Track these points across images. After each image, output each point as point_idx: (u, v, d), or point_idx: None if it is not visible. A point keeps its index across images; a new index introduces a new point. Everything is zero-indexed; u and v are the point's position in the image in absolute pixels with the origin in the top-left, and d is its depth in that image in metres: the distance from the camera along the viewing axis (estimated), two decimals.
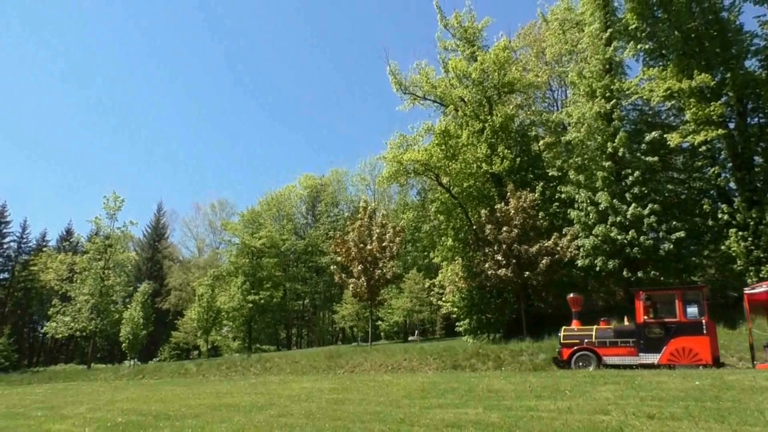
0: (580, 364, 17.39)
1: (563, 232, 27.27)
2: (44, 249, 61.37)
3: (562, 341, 18.32)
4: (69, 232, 70.01)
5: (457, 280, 30.76)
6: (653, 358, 16.27)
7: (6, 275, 61.74)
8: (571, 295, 20.88)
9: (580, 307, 19.86)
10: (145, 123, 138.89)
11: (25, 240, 64.74)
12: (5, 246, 62.11)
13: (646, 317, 16.89)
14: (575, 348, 17.81)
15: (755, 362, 15.19)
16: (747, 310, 15.56)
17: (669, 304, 16.91)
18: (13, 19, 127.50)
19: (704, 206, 25.88)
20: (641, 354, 16.57)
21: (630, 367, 16.23)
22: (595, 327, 18.15)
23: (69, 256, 48.62)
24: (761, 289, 14.95)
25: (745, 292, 15.65)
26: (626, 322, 18.39)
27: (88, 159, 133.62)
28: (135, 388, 17.11)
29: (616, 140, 26.52)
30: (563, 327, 18.91)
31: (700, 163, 27.19)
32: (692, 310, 16.32)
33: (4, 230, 62.02)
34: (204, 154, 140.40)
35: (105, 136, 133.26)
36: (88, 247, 45.06)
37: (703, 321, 15.90)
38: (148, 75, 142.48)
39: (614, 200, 26.05)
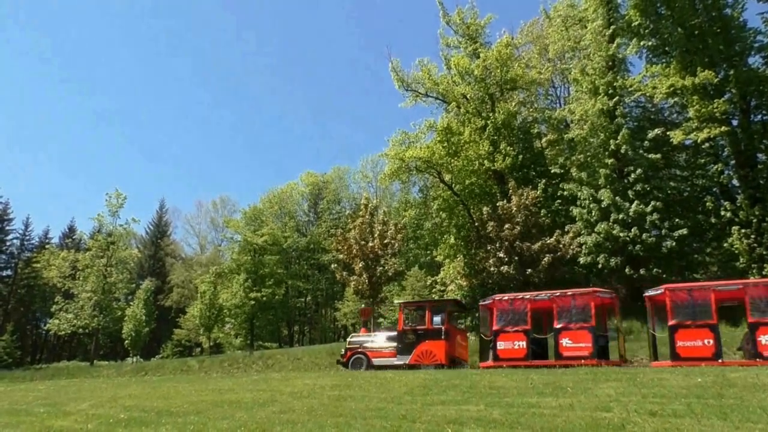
0: (356, 365, 19.82)
1: (565, 230, 27.24)
2: (47, 246, 61.37)
3: (347, 346, 20.99)
4: (72, 230, 70.17)
5: (459, 277, 30.74)
6: (406, 359, 18.89)
7: (9, 272, 61.91)
8: (362, 306, 25.80)
9: (368, 317, 23.86)
10: (148, 120, 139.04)
11: (28, 237, 64.94)
12: (8, 243, 62.27)
13: (405, 325, 19.85)
14: (353, 352, 20.30)
15: (653, 360, 16.51)
16: (650, 311, 16.79)
17: (422, 314, 19.86)
18: (16, 17, 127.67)
19: (707, 204, 25.85)
20: (398, 356, 19.18)
21: (390, 367, 18.48)
22: (373, 334, 21.27)
23: (72, 253, 48.51)
24: (659, 291, 16.13)
25: (645, 294, 16.76)
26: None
27: (90, 157, 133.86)
28: (137, 384, 17.13)
29: (618, 137, 26.48)
30: (352, 333, 22.25)
31: (703, 161, 27.16)
32: (437, 319, 19.05)
33: (7, 228, 62.17)
34: (206, 151, 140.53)
35: (107, 134, 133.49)
36: (90, 245, 45.14)
37: (443, 328, 18.72)
38: (150, 73, 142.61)
39: (617, 197, 26.02)
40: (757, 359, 13.76)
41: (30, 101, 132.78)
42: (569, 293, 17.29)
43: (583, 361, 15.25)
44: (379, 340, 20.36)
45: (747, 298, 14.70)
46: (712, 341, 14.51)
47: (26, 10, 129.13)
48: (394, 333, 20.34)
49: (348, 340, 21.63)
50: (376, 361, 19.54)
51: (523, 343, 16.99)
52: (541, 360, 16.82)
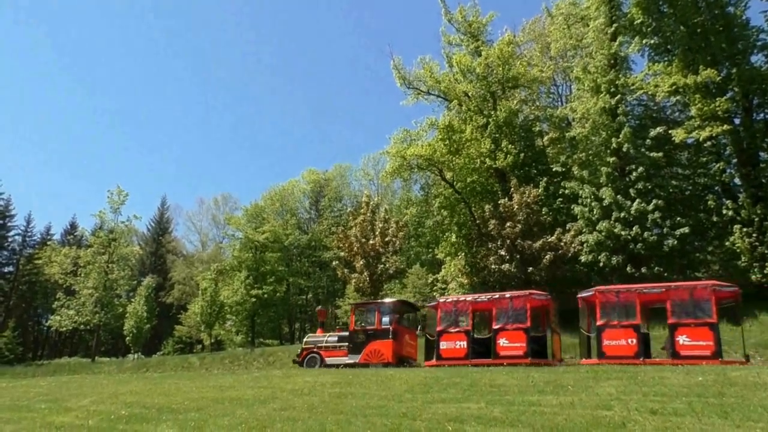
0: (310, 364, 20.71)
1: (567, 228, 27.22)
2: (49, 243, 61.53)
3: (303, 345, 22.03)
4: (73, 226, 70.22)
5: (460, 275, 30.74)
6: (356, 358, 19.73)
7: (11, 269, 61.97)
8: (319, 307, 27.87)
9: (325, 318, 24.18)
10: (150, 117, 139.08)
11: (29, 234, 64.96)
12: (10, 240, 62.30)
13: (356, 326, 20.90)
14: (308, 351, 21.24)
15: (582, 357, 17.31)
16: (583, 312, 17.60)
17: (371, 315, 20.67)
18: (17, 16, 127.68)
19: (709, 202, 25.82)
20: (350, 355, 20.04)
21: (342, 365, 19.27)
22: (328, 334, 21.92)
23: (73, 249, 48.60)
24: (590, 293, 17.10)
25: (579, 296, 17.75)
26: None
27: (92, 153, 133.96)
28: (138, 381, 17.15)
29: (620, 136, 26.44)
30: (309, 334, 23.45)
31: (705, 159, 27.12)
32: (385, 320, 19.92)
33: (9, 224, 62.18)
34: (208, 148, 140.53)
35: (110, 131, 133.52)
36: (92, 241, 45.20)
37: (391, 328, 19.55)
38: (153, 71, 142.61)
39: (618, 196, 25.99)
40: (675, 358, 14.59)
41: (32, 99, 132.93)
42: (507, 295, 18.08)
43: (516, 360, 16.17)
44: (333, 340, 21.20)
45: (669, 301, 15.54)
46: (635, 341, 15.45)
47: (28, 9, 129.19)
48: (347, 333, 21.18)
49: (304, 340, 22.65)
50: (329, 360, 20.44)
51: (464, 343, 17.73)
52: (482, 359, 17.15)
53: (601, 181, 27.29)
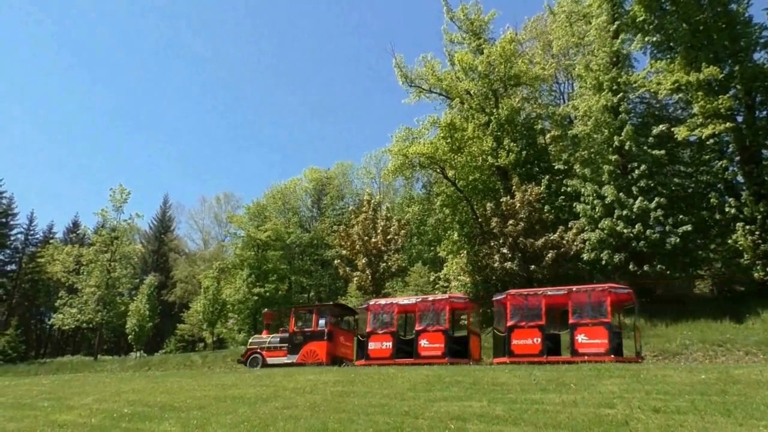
0: (253, 364, 21.89)
1: (569, 226, 27.15)
2: (51, 241, 61.47)
3: (248, 346, 23.37)
4: (76, 225, 70.26)
5: (462, 273, 30.72)
6: (294, 358, 20.85)
7: (13, 267, 62.02)
8: (266, 310, 28.18)
9: (271, 321, 25.54)
10: (152, 116, 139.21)
11: (32, 232, 65.01)
12: (13, 238, 62.27)
13: (295, 328, 21.84)
14: (251, 351, 22.47)
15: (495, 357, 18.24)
16: (496, 313, 18.72)
17: (309, 317, 21.87)
18: (20, 14, 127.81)
19: (711, 200, 25.76)
20: (288, 355, 21.15)
21: (282, 365, 20.29)
22: (272, 335, 22.88)
23: (76, 248, 48.58)
24: (502, 296, 18.25)
25: (494, 299, 19.00)
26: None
27: (94, 152, 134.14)
28: (141, 379, 17.17)
29: (622, 133, 26.38)
30: (254, 335, 24.77)
31: (707, 157, 27.03)
32: (322, 322, 21.20)
33: (12, 222, 62.18)
34: (210, 147, 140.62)
35: (112, 129, 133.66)
36: (94, 240, 45.22)
37: (326, 330, 20.81)
38: (156, 69, 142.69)
39: (620, 194, 25.93)
40: (574, 356, 15.70)
41: (34, 97, 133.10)
42: (429, 299, 19.10)
43: (435, 360, 17.19)
44: (275, 341, 22.28)
45: (570, 303, 16.77)
46: (539, 340, 16.64)
47: (30, 9, 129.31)
48: (284, 334, 22.32)
49: (249, 341, 23.95)
50: (270, 360, 21.61)
51: (389, 344, 18.72)
52: (407, 359, 18.02)
53: (603, 178, 27.24)
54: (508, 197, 28.01)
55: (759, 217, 23.32)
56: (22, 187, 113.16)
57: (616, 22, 28.58)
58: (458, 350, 18.15)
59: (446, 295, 19.59)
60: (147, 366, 31.60)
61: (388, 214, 34.44)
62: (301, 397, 10.27)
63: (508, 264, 26.02)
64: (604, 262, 26.36)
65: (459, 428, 7.16)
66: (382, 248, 31.55)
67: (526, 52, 37.55)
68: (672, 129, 26.12)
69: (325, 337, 20.76)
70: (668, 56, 27.20)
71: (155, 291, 48.32)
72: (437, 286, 38.51)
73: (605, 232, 26.02)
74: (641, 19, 26.99)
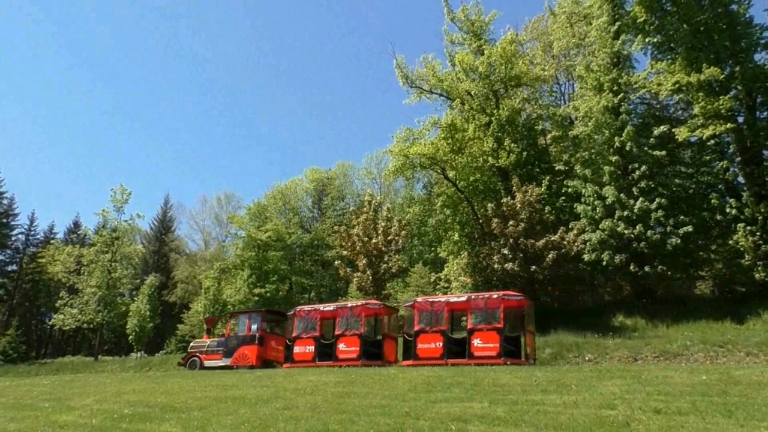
0: (192, 366, 23.15)
1: (570, 227, 27.15)
2: (52, 241, 61.48)
3: (189, 349, 24.72)
4: (76, 225, 70.13)
5: (463, 274, 30.70)
6: (228, 361, 22.23)
7: (14, 267, 61.98)
8: (207, 315, 30.21)
9: (212, 326, 26.63)
10: (153, 116, 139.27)
11: (33, 232, 64.91)
12: (13, 238, 62.21)
13: (231, 332, 23.28)
14: (191, 354, 23.87)
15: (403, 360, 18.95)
16: (406, 319, 19.57)
17: (243, 322, 23.19)
18: (20, 14, 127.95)
19: (712, 201, 25.76)
20: (223, 358, 22.50)
21: (218, 368, 21.84)
22: (210, 339, 24.26)
23: (76, 248, 48.62)
24: (411, 303, 19.29)
25: (404, 305, 20.20)
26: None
27: (95, 152, 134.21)
28: (141, 380, 17.17)
29: (623, 134, 26.39)
30: (195, 339, 25.82)
31: (708, 158, 27.05)
32: (254, 327, 22.60)
33: (12, 223, 62.11)
34: (211, 147, 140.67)
35: (112, 129, 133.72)
36: (95, 240, 45.21)
37: (257, 335, 22.24)
38: (156, 69, 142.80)
39: (621, 194, 25.94)
40: (470, 359, 16.74)
41: (35, 98, 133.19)
42: (348, 305, 20.60)
43: (351, 362, 18.42)
44: (213, 345, 23.57)
45: (469, 309, 18.17)
46: (441, 344, 17.64)
47: (29, 8, 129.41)
48: (221, 338, 23.76)
49: (190, 344, 25.17)
50: (207, 362, 22.92)
51: (312, 347, 20.08)
52: (326, 361, 19.29)
53: (603, 179, 27.24)
54: (509, 198, 27.99)
55: (760, 218, 23.33)
56: (23, 188, 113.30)
57: (617, 23, 28.59)
58: (374, 353, 19.34)
59: (362, 302, 20.78)
60: (147, 366, 31.55)
61: (389, 215, 34.42)
62: (302, 398, 10.27)
63: (508, 265, 25.99)
64: (604, 263, 26.38)
65: (460, 429, 7.15)
66: (383, 249, 31.55)
67: (527, 53, 37.55)
68: (673, 130, 26.12)
69: (256, 342, 22.17)
70: (669, 57, 27.21)
71: (156, 291, 48.25)
72: (438, 286, 38.50)
73: (606, 232, 26.02)
74: (642, 20, 27.00)
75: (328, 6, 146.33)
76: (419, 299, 19.38)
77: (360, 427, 7.62)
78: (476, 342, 17.12)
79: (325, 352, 19.77)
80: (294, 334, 20.64)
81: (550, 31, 36.90)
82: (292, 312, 21.57)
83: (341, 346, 19.35)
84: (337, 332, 19.73)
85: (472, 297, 18.47)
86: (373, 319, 21.23)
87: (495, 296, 17.89)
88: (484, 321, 17.51)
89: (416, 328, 18.28)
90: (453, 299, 18.88)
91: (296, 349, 20.38)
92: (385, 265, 31.19)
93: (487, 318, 17.44)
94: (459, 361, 16.78)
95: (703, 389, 8.60)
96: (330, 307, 21.22)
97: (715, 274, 29.05)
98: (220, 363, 22.38)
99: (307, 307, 21.63)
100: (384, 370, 14.56)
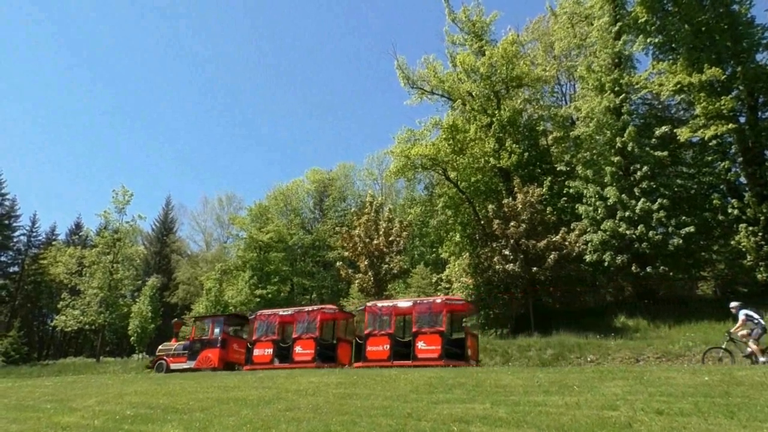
0: (159, 369, 24.17)
1: (571, 227, 27.12)
2: (54, 243, 61.52)
3: (156, 353, 25.66)
4: (78, 226, 70.12)
5: (464, 275, 30.68)
6: (192, 364, 23.01)
7: (16, 269, 62.01)
8: (175, 320, 30.19)
9: (179, 329, 27.11)
10: (154, 117, 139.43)
11: (34, 234, 64.92)
12: (15, 240, 62.25)
13: (195, 336, 24.16)
14: (158, 358, 24.85)
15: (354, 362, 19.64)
16: (362, 322, 20.17)
17: (207, 326, 24.24)
18: (21, 14, 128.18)
19: (714, 201, 25.72)
20: (188, 361, 23.29)
21: (183, 370, 22.50)
22: (177, 343, 25.15)
23: (78, 249, 48.64)
24: (362, 307, 20.26)
25: (357, 309, 21.54)
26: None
27: (97, 153, 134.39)
28: (143, 381, 17.17)
29: (625, 135, 26.37)
30: (164, 342, 26.49)
31: (710, 158, 27.01)
32: (217, 331, 23.47)
33: (14, 224, 62.17)
34: (212, 148, 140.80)
35: (114, 131, 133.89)
36: (97, 241, 45.22)
37: (220, 338, 23.05)
38: (158, 69, 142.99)
39: (623, 195, 25.92)
40: (414, 361, 17.38)
41: (36, 99, 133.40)
42: (306, 309, 21.55)
43: (306, 364, 19.26)
44: (178, 349, 24.48)
45: (414, 313, 18.62)
46: (388, 346, 18.35)
47: (29, 8, 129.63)
48: (187, 342, 24.57)
49: (158, 348, 26.07)
50: (173, 365, 23.80)
51: (270, 350, 20.92)
52: (283, 363, 20.19)
53: (605, 180, 27.22)
54: (510, 199, 27.97)
55: (762, 218, 23.28)
56: (24, 189, 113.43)
57: (618, 24, 28.57)
58: (328, 355, 20.36)
59: (318, 307, 21.75)
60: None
61: (390, 216, 34.44)
62: (304, 399, 10.27)
63: (509, 266, 25.97)
64: (606, 264, 26.36)
65: (462, 430, 7.15)
66: (384, 250, 31.55)
67: (528, 54, 37.54)
68: (674, 130, 26.09)
69: (219, 345, 23.00)
70: (670, 57, 27.18)
71: (157, 293, 48.32)
72: (439, 287, 38.47)
73: (607, 233, 26.00)
74: (643, 20, 26.97)
75: (328, 6, 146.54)
76: (369, 304, 20.20)
77: (362, 429, 7.62)
78: (420, 344, 17.84)
79: (283, 354, 20.69)
80: (254, 337, 21.61)
81: (551, 31, 36.90)
82: (253, 316, 22.77)
83: (298, 348, 20.28)
84: (294, 335, 20.71)
85: (417, 302, 19.26)
86: (331, 323, 22.08)
87: (438, 301, 18.70)
88: (427, 324, 18.12)
89: (366, 331, 19.06)
90: (400, 304, 19.80)
91: (256, 352, 21.27)
92: (387, 266, 31.20)
93: (431, 322, 18.09)
94: (404, 363, 17.40)
95: (706, 390, 8.58)
96: (289, 311, 22.27)
97: (717, 274, 29.02)
98: (185, 366, 23.23)
99: (267, 312, 22.83)
100: (386, 371, 14.55)
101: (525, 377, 11.01)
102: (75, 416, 10.94)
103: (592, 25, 30.35)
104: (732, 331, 15.32)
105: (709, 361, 15.77)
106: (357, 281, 31.85)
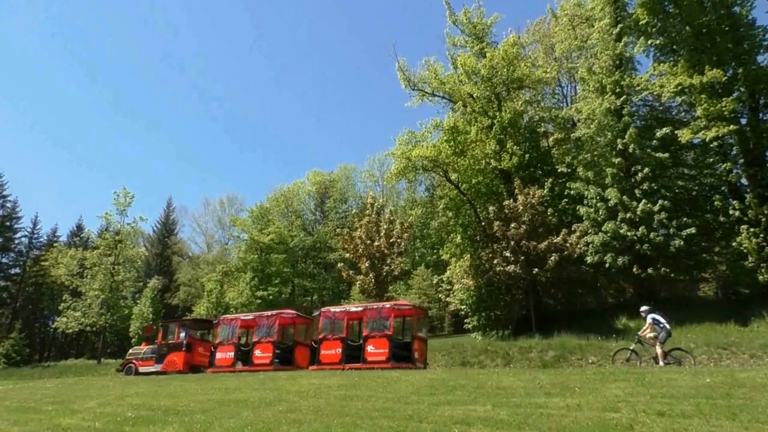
0: (128, 372, 24.78)
1: (572, 229, 27.11)
2: (55, 244, 61.58)
3: (126, 356, 26.51)
4: (79, 228, 70.19)
5: (465, 276, 30.67)
6: (159, 367, 23.67)
7: (17, 270, 62.02)
8: (146, 324, 31.98)
9: (150, 333, 27.58)
10: (156, 119, 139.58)
11: (36, 236, 64.90)
12: (17, 241, 62.24)
13: (163, 340, 24.66)
14: (127, 361, 25.64)
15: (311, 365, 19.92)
16: (312, 327, 21.55)
17: (174, 331, 24.79)
18: (23, 16, 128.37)
19: (715, 202, 25.69)
20: (156, 364, 24.01)
21: (150, 373, 23.16)
22: (146, 347, 25.81)
23: (79, 251, 48.77)
24: (318, 312, 20.95)
25: (313, 314, 22.30)
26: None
27: (98, 155, 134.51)
28: (144, 383, 17.16)
29: (626, 136, 26.37)
30: (134, 346, 27.58)
31: (711, 159, 26.99)
32: (182, 335, 24.22)
33: (16, 226, 62.17)
34: (213, 150, 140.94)
35: (116, 132, 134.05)
36: (98, 243, 45.31)
37: (185, 342, 23.82)
38: (159, 71, 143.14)
39: (624, 196, 25.91)
40: (364, 363, 17.94)
41: (38, 100, 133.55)
42: (266, 314, 22.05)
43: (264, 367, 19.81)
44: (148, 352, 25.21)
45: (364, 318, 19.22)
46: (340, 350, 18.99)
47: (29, 8, 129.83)
48: (155, 346, 25.11)
49: (129, 351, 27.07)
50: (141, 368, 24.49)
51: (231, 353, 21.47)
52: (244, 366, 20.77)
53: (606, 181, 27.20)
54: (511, 200, 27.96)
55: (763, 219, 23.25)
56: (26, 191, 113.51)
57: (619, 25, 28.57)
58: (286, 358, 20.88)
59: (277, 311, 22.37)
60: None
61: (391, 217, 34.44)
62: (305, 401, 10.25)
63: (510, 267, 25.96)
64: (607, 265, 26.34)
65: None
66: (385, 251, 31.56)
67: (529, 56, 37.56)
68: (675, 132, 26.08)
69: (184, 348, 23.68)
70: (671, 59, 27.17)
71: (159, 294, 48.38)
72: (440, 289, 38.45)
73: (609, 234, 25.98)
74: (644, 22, 26.97)
75: (329, 8, 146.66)
76: (323, 309, 20.98)
77: (363, 431, 7.61)
78: (369, 348, 18.45)
79: (243, 357, 21.28)
80: (217, 341, 22.20)
81: (552, 33, 36.92)
82: (217, 320, 23.43)
83: (257, 352, 20.82)
84: (254, 339, 21.39)
85: (368, 307, 19.93)
86: (290, 328, 22.54)
87: (387, 306, 19.43)
88: (376, 329, 18.70)
89: (320, 335, 19.68)
90: (352, 309, 20.51)
91: (218, 355, 21.81)
92: (388, 267, 31.20)
93: (379, 326, 18.69)
94: (355, 366, 18.00)
95: (707, 392, 8.56)
96: (250, 316, 23.00)
97: (719, 276, 29.00)
98: (153, 369, 23.88)
99: (230, 316, 23.43)
100: (387, 373, 14.54)
101: (526, 379, 10.99)
102: (76, 418, 10.93)
103: (593, 26, 30.36)
104: (640, 333, 16.00)
105: (618, 361, 16.32)
106: (358, 283, 31.85)
